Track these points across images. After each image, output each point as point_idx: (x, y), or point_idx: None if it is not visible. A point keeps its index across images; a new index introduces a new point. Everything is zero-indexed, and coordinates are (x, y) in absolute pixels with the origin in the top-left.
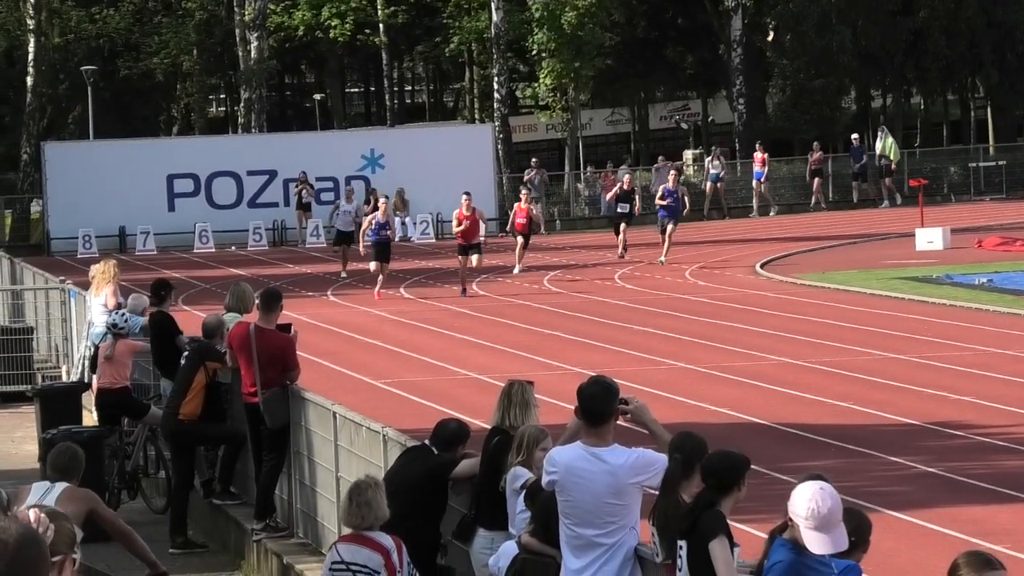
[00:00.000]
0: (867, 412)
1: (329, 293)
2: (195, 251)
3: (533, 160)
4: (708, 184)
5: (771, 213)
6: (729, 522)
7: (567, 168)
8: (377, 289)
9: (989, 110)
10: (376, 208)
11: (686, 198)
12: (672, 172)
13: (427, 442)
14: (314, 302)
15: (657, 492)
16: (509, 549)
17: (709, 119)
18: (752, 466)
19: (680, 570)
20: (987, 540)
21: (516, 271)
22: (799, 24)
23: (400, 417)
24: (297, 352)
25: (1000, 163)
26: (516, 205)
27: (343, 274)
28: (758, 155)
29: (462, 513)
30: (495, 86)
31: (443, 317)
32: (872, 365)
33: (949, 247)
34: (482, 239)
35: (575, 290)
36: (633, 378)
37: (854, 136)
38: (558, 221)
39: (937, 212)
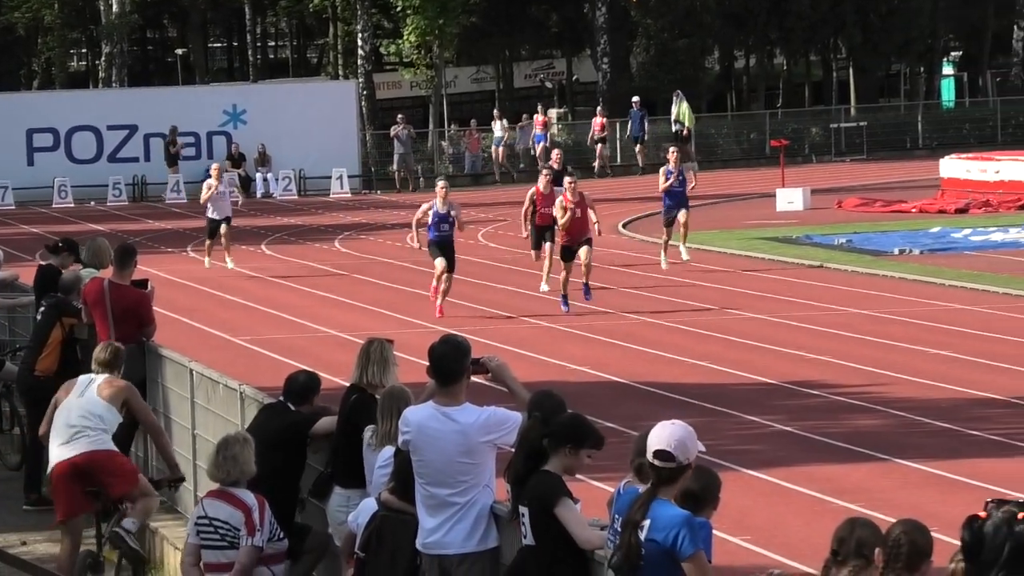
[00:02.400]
0: (725, 371)
1: (189, 249)
2: (54, 206)
3: (399, 116)
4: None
5: (610, 174)
6: (582, 477)
7: (431, 126)
8: (439, 301)
9: (851, 71)
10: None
11: (694, 176)
12: (673, 151)
13: (282, 398)
14: (174, 258)
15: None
16: (368, 506)
17: (574, 78)
18: (609, 424)
19: (525, 537)
20: (841, 498)
21: (544, 287)
22: None
23: (259, 374)
24: (154, 308)
25: (861, 124)
26: (534, 188)
27: (207, 263)
28: (539, 117)
29: (319, 471)
30: (359, 42)
31: (304, 274)
32: (731, 324)
33: (809, 208)
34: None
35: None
36: (495, 336)
37: (635, 99)
38: (422, 179)
39: (798, 173)
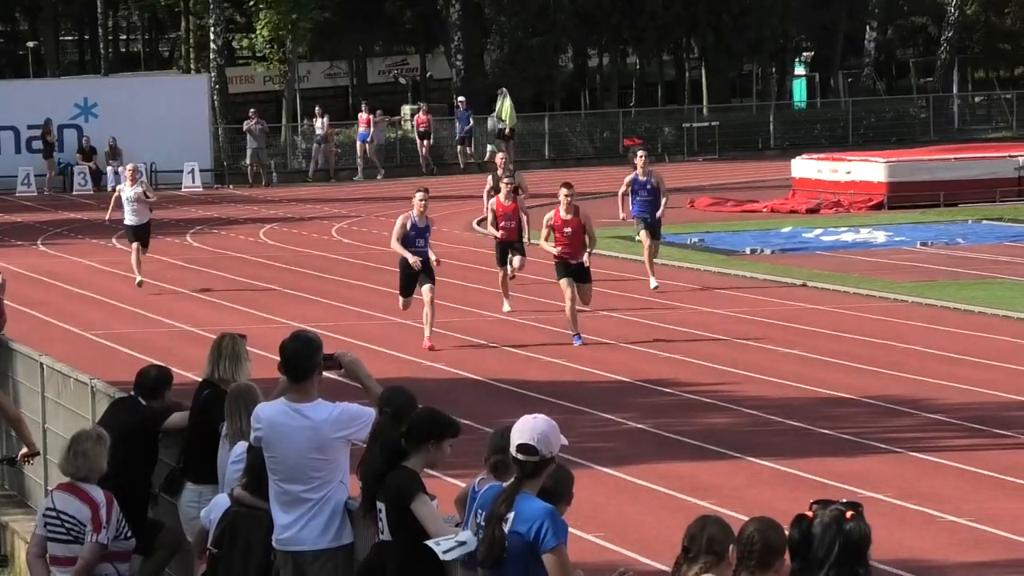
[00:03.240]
0: (580, 369)
1: (39, 243)
2: None
3: (251, 110)
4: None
5: (378, 177)
6: (435, 474)
7: (284, 120)
8: (427, 332)
9: (704, 71)
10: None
11: (663, 188)
12: (640, 156)
13: (132, 392)
14: (24, 251)
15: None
16: (221, 502)
17: (427, 74)
18: (465, 420)
19: (381, 532)
20: (693, 495)
21: (506, 308)
22: None
23: (110, 369)
24: (5, 302)
25: (713, 124)
26: (495, 199)
27: (138, 279)
28: (363, 115)
29: (171, 466)
30: (211, 36)
31: (157, 269)
32: (585, 323)
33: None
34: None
35: (292, 243)
36: (350, 332)
37: (460, 99)
38: (275, 174)
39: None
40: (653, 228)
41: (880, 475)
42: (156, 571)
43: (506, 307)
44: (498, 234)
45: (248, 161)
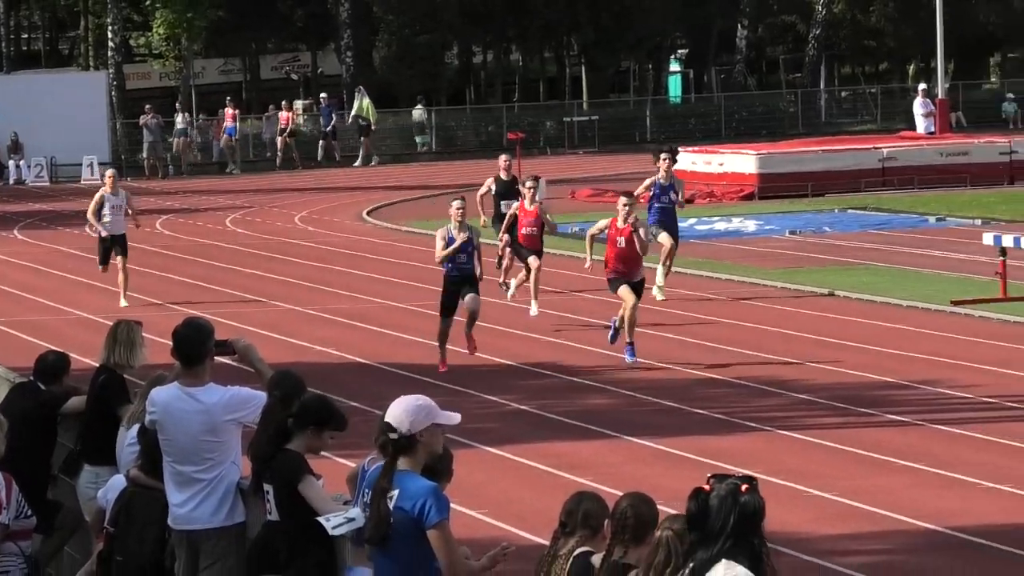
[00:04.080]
0: (463, 352)
1: None
2: None
3: (147, 106)
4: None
5: (235, 170)
6: (327, 454)
7: (180, 115)
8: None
9: (584, 68)
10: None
11: (683, 195)
12: (664, 158)
13: (32, 378)
14: None
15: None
16: (118, 483)
17: (318, 70)
18: (353, 403)
19: (269, 512)
20: (572, 473)
21: (533, 311)
22: None
23: (10, 355)
24: None
25: (593, 118)
26: (519, 204)
27: (123, 302)
28: (228, 111)
29: (70, 448)
30: (109, 35)
31: (56, 258)
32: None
33: (545, 197)
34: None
35: (187, 233)
36: (243, 319)
37: (323, 95)
38: (171, 166)
39: (534, 164)
40: (671, 229)
41: (750, 452)
42: (56, 549)
43: (533, 310)
44: (505, 237)
45: (145, 154)
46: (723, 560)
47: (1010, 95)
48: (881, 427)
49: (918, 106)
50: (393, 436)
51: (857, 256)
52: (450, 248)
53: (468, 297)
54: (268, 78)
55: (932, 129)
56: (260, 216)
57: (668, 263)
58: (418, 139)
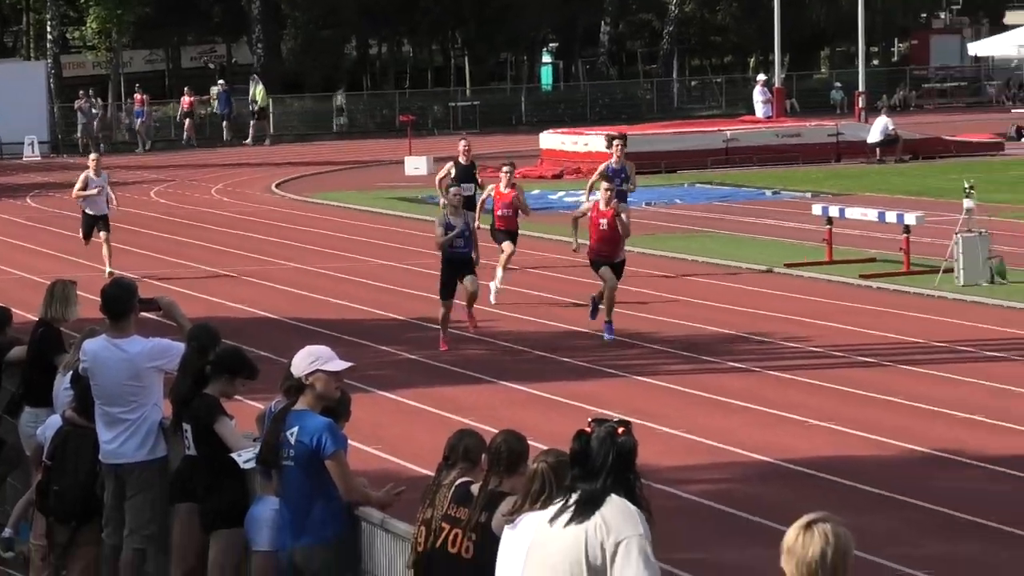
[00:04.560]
0: (363, 309)
1: None
2: None
3: (81, 92)
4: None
5: (144, 149)
6: (239, 398)
7: (111, 99)
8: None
9: (467, 59)
10: None
11: (635, 177)
12: (617, 143)
13: None
14: None
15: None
16: (54, 422)
17: (233, 60)
18: (263, 352)
19: (188, 448)
20: (456, 414)
21: (494, 289)
22: None
23: None
24: None
25: (475, 103)
26: (493, 187)
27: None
28: (137, 96)
29: (12, 392)
30: (48, 29)
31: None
32: (369, 270)
33: (433, 172)
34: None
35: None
36: (167, 279)
37: (220, 82)
38: (103, 145)
39: (423, 143)
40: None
41: (610, 396)
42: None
43: (497, 284)
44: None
45: (79, 134)
46: (611, 495)
47: (837, 84)
48: (722, 373)
49: (757, 94)
50: (292, 382)
51: (703, 224)
52: (450, 235)
53: (467, 280)
54: (188, 67)
55: (770, 114)
56: (181, 189)
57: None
58: (340, 120)
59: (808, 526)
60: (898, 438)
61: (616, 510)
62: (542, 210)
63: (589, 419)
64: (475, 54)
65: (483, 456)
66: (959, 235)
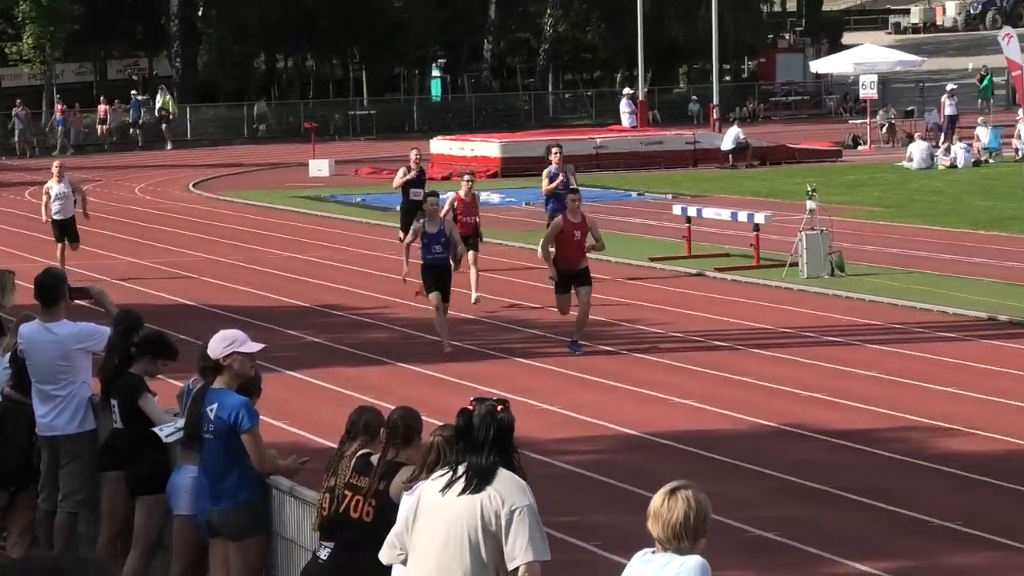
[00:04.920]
0: (271, 296)
1: None
2: None
3: (18, 100)
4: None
5: (65, 153)
6: (161, 377)
7: (44, 107)
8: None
9: (364, 72)
10: None
11: (574, 177)
12: (555, 151)
13: None
14: None
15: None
16: None
17: (154, 73)
18: (182, 336)
19: (115, 422)
20: (357, 392)
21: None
22: (224, 2)
23: None
24: None
25: (372, 112)
26: (455, 195)
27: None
28: (58, 106)
29: None
30: None
31: None
32: (276, 261)
33: (334, 174)
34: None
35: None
36: (94, 270)
37: (132, 92)
38: (37, 148)
39: (325, 148)
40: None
41: (495, 375)
42: None
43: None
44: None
45: (16, 139)
46: (500, 469)
47: (694, 97)
48: (595, 355)
49: (623, 105)
50: (208, 362)
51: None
52: (413, 236)
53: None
54: (114, 78)
55: (634, 123)
56: (107, 188)
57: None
58: (261, 127)
59: (672, 492)
60: (749, 413)
61: (507, 482)
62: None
63: (472, 399)
64: (371, 68)
65: (381, 430)
66: (803, 233)
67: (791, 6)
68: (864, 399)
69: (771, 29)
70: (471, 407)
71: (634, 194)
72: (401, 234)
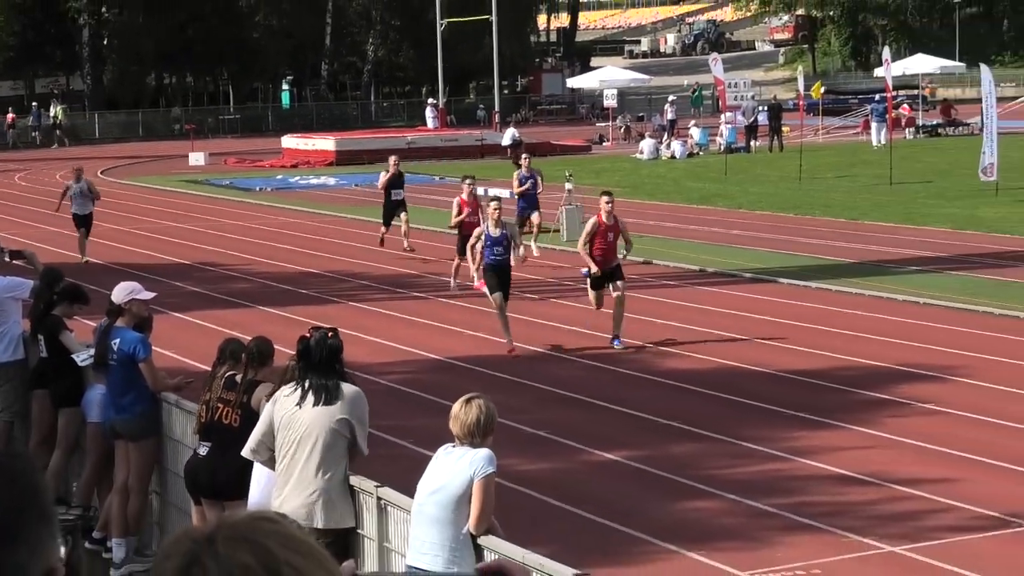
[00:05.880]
0: (161, 256)
1: None
2: None
3: None
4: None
5: None
6: (78, 318)
7: None
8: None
9: (231, 85)
10: None
11: (541, 180)
12: (525, 157)
13: None
14: None
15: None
16: None
17: (70, 87)
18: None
19: (42, 352)
20: (226, 328)
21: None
22: (126, 31)
23: None
24: None
25: (237, 116)
26: (459, 198)
27: (84, 259)
28: (10, 116)
29: None
30: None
31: None
32: (165, 229)
33: (209, 163)
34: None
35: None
36: (29, 238)
37: (33, 104)
38: None
39: (201, 143)
40: (536, 208)
41: (334, 315)
42: None
43: (453, 284)
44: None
45: None
46: (343, 385)
47: (481, 105)
48: (406, 300)
49: (428, 111)
50: (112, 306)
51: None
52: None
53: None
54: (40, 92)
55: (436, 125)
56: (35, 175)
57: (536, 232)
58: (176, 126)
59: (468, 400)
60: (519, 341)
61: (352, 396)
62: (285, 189)
63: (309, 327)
64: (236, 83)
65: (243, 355)
66: (563, 207)
67: (553, 37)
68: (608, 330)
69: (537, 54)
70: (308, 335)
71: (436, 178)
72: (383, 229)
